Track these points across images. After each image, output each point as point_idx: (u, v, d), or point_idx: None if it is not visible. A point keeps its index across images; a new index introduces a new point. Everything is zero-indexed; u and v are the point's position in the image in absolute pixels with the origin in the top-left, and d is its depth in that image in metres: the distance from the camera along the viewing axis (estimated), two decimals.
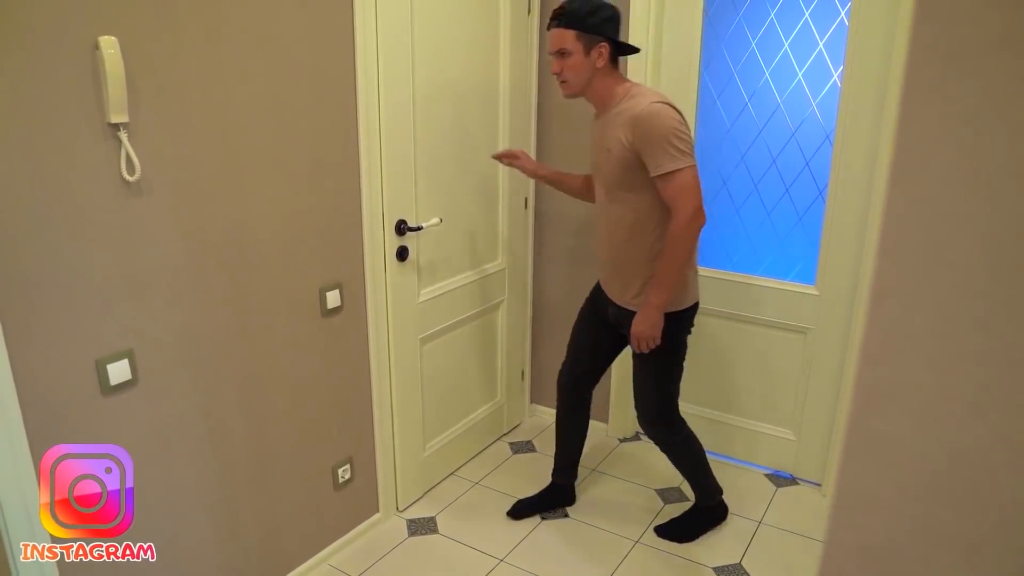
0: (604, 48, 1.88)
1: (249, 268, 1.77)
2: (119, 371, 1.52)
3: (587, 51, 1.89)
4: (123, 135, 1.45)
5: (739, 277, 2.56)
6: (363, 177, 2.04)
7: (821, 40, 2.31)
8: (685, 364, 2.14)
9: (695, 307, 2.07)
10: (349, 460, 2.20)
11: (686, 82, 2.49)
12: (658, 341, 1.97)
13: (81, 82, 1.37)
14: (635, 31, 2.44)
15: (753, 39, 2.41)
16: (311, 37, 1.81)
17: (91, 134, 1.41)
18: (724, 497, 2.37)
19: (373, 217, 2.09)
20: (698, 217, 1.84)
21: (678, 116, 1.83)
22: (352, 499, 2.24)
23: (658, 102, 1.83)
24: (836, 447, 2.48)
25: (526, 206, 2.81)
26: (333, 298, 2.01)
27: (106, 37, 1.38)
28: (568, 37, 1.88)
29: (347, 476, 2.20)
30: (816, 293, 2.43)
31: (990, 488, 0.58)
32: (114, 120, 1.42)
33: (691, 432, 2.23)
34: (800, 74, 2.36)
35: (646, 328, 1.95)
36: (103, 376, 1.50)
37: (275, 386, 1.90)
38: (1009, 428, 0.56)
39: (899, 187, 0.55)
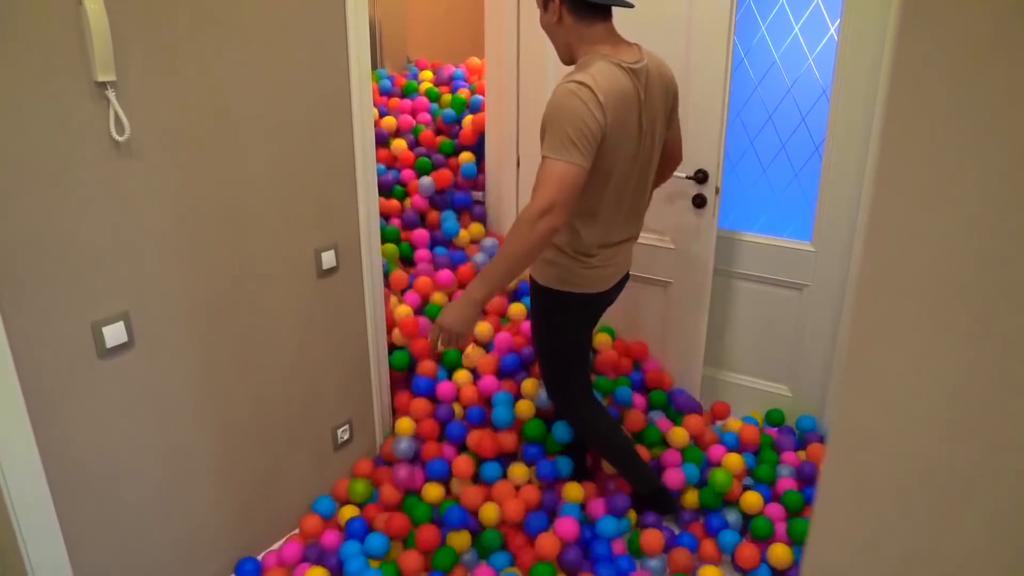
0: (556, 2, 1.63)
1: (244, 229, 1.76)
2: (115, 333, 1.52)
3: (544, 5, 1.67)
4: (111, 94, 1.43)
5: (734, 234, 2.55)
6: (357, 136, 2.01)
7: None
8: (585, 354, 1.98)
9: (586, 301, 1.84)
10: (348, 421, 2.22)
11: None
12: (463, 340, 1.69)
13: (66, 40, 1.34)
14: None
15: None
16: None
17: (78, 94, 1.38)
18: None
19: (367, 176, 2.07)
20: (548, 217, 1.53)
21: (594, 107, 1.54)
22: (352, 459, 2.27)
23: (576, 82, 1.56)
24: (833, 396, 2.51)
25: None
26: (328, 259, 2.00)
27: None
28: None
29: (346, 436, 2.22)
30: (812, 249, 2.43)
31: (986, 423, 0.59)
32: (101, 78, 1.40)
33: (598, 415, 2.02)
34: (797, 28, 2.33)
35: (450, 319, 1.66)
36: (99, 339, 1.50)
37: (273, 348, 1.91)
38: (1005, 362, 0.56)
39: (897, 120, 0.54)
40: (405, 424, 2.19)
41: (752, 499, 2.10)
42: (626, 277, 2.00)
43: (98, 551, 1.59)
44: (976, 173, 0.53)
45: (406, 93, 3.04)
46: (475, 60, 3.14)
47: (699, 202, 2.38)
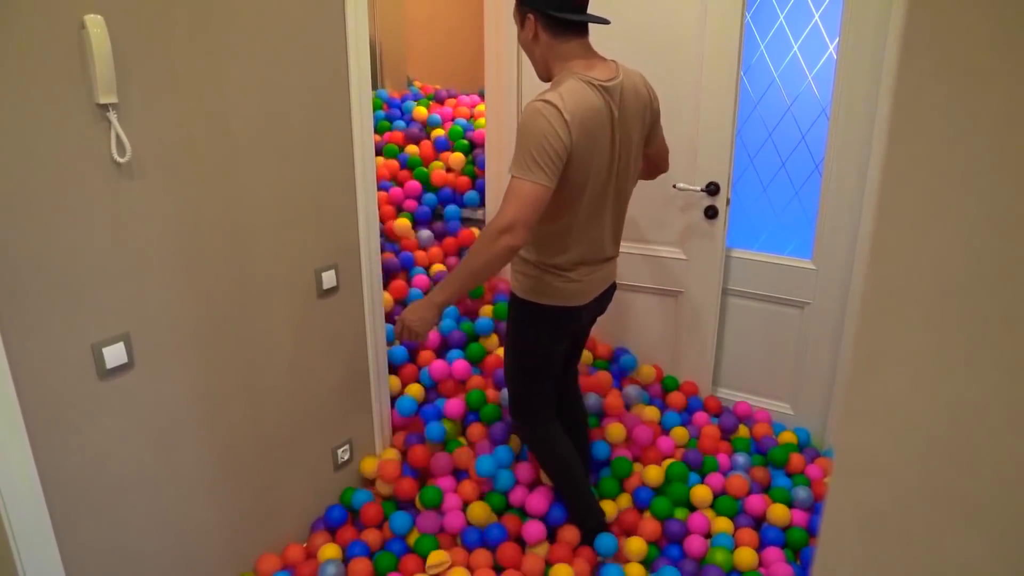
0: (533, 19, 1.64)
1: (244, 249, 1.76)
2: (115, 354, 1.52)
3: (521, 25, 1.68)
4: (112, 116, 1.43)
5: (735, 252, 2.55)
6: (357, 157, 2.02)
7: (817, 12, 2.29)
8: (554, 372, 1.94)
9: (561, 314, 1.82)
10: (348, 441, 2.21)
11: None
12: (421, 337, 1.74)
13: (68, 62, 1.35)
14: None
15: (749, 11, 2.39)
16: (303, 17, 1.78)
17: (80, 115, 1.39)
18: None
19: (367, 196, 2.07)
20: (508, 235, 1.55)
21: (559, 125, 1.55)
22: (352, 480, 2.25)
23: (543, 101, 1.57)
24: (834, 420, 2.49)
25: None
26: (329, 278, 2.00)
27: (92, 16, 1.35)
28: (513, 9, 1.70)
29: (346, 457, 2.21)
30: (813, 267, 2.43)
31: (990, 448, 0.58)
32: (102, 100, 1.40)
33: (556, 440, 1.99)
34: (796, 46, 2.34)
35: (412, 317, 1.72)
36: (99, 360, 1.49)
37: (273, 368, 1.90)
38: (1009, 388, 0.55)
39: (899, 144, 0.54)
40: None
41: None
42: (610, 293, 1.96)
43: (96, 568, 1.57)
44: (980, 196, 0.53)
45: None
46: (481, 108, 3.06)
47: (711, 213, 2.39)
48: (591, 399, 2.36)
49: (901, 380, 0.60)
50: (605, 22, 1.69)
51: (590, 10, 1.68)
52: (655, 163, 1.97)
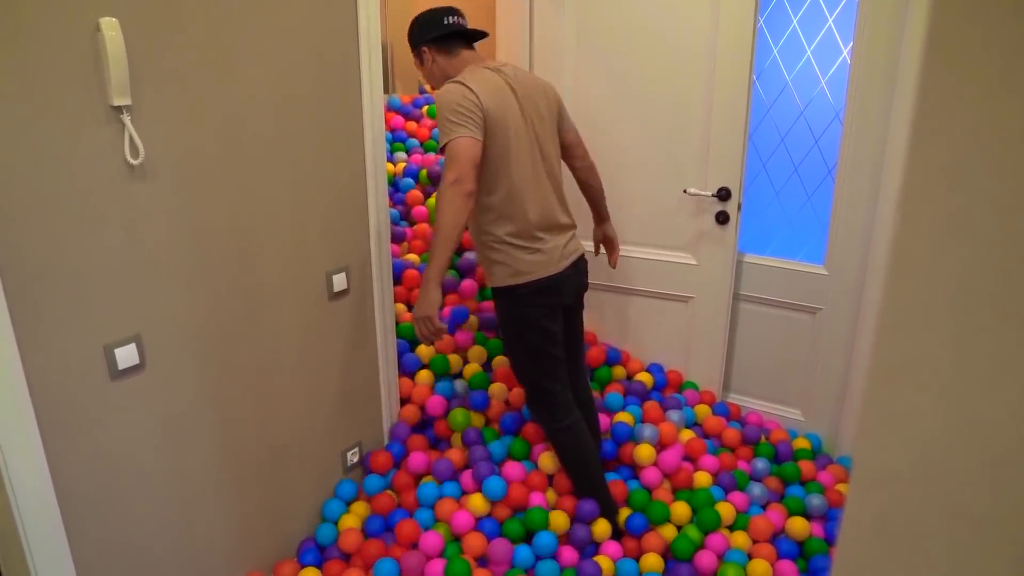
0: (426, 51, 1.96)
1: (255, 251, 1.77)
2: (127, 355, 1.52)
3: (421, 61, 1.99)
4: (126, 118, 1.44)
5: (747, 258, 2.54)
6: (368, 159, 2.02)
7: (831, 16, 2.27)
8: (559, 353, 1.99)
9: (536, 287, 1.91)
10: (358, 443, 2.21)
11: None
12: (435, 323, 1.82)
13: (83, 65, 1.36)
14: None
15: (762, 15, 2.38)
16: (315, 20, 1.79)
17: (93, 117, 1.39)
18: None
19: (378, 198, 2.08)
20: (457, 186, 1.73)
21: (464, 92, 1.78)
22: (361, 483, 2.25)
23: (451, 81, 1.83)
24: (846, 426, 2.47)
25: None
26: (340, 281, 2.01)
27: (107, 19, 1.36)
28: (412, 56, 2.02)
29: (356, 459, 2.21)
30: (825, 273, 2.41)
31: (1009, 464, 0.57)
32: (116, 103, 1.41)
33: (575, 428, 2.03)
34: (809, 51, 2.33)
35: (418, 308, 1.83)
36: (111, 361, 1.50)
37: (283, 369, 1.90)
38: None
39: (921, 152, 0.53)
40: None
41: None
42: (584, 267, 2.05)
43: (107, 570, 1.58)
44: (1002, 207, 0.52)
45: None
46: None
47: (722, 219, 2.38)
48: (647, 430, 2.27)
49: (919, 391, 0.59)
50: (483, 35, 2.00)
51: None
52: (574, 151, 2.12)
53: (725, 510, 2.09)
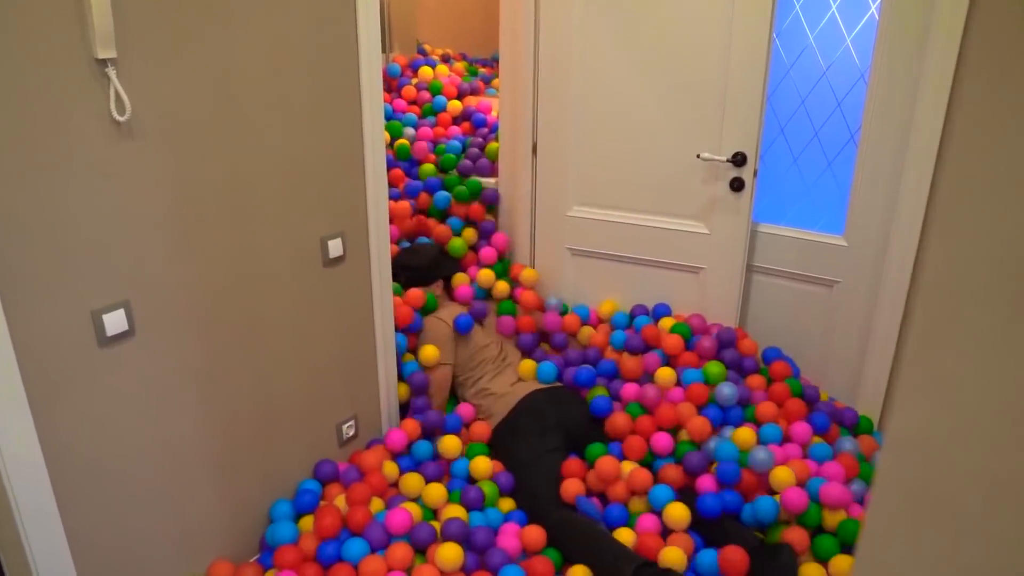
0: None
1: (248, 215, 1.71)
2: (115, 321, 1.47)
3: None
4: (111, 72, 1.37)
5: (762, 227, 2.45)
6: (365, 122, 1.94)
7: None
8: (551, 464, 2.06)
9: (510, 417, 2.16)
10: (353, 416, 2.16)
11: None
12: None
13: (63, 14, 1.29)
14: None
15: None
16: None
17: (76, 71, 1.33)
18: None
19: (376, 162, 2.00)
20: None
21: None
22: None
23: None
24: (862, 404, 2.40)
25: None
26: (335, 247, 1.94)
27: None
28: None
29: (351, 432, 2.16)
30: (844, 244, 2.32)
31: None
32: (101, 55, 1.34)
33: (566, 517, 1.94)
34: (834, 7, 2.22)
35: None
36: (99, 327, 1.45)
37: (277, 338, 1.85)
38: None
39: (966, 119, 0.52)
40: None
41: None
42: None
43: (99, 540, 1.55)
44: None
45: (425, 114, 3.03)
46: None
47: (736, 185, 2.29)
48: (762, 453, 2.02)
49: (960, 359, 0.58)
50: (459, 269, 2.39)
51: None
52: None
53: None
